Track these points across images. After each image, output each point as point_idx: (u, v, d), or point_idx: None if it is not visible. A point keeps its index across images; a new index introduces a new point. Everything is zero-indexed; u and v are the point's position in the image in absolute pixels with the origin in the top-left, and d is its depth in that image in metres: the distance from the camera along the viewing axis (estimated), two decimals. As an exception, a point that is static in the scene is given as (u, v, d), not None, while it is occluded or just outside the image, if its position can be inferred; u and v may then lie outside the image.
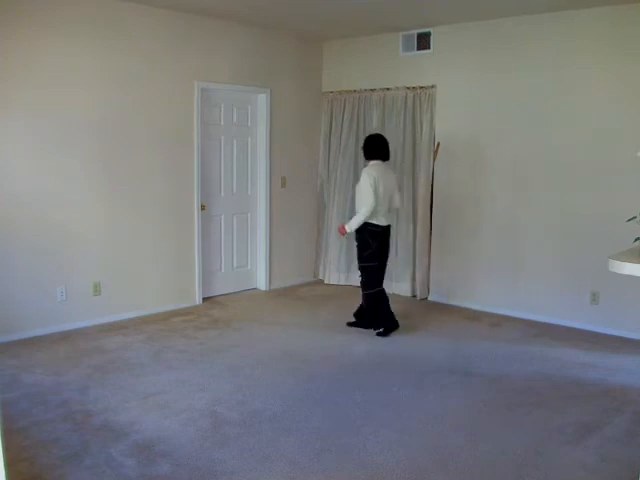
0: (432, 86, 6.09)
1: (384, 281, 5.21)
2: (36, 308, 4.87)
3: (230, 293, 6.39)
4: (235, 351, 4.66)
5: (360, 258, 5.06)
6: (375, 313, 5.11)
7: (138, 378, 4.06)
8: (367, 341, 4.97)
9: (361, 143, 6.56)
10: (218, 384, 3.99)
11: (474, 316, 5.73)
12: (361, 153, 6.57)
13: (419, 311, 5.93)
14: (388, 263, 5.29)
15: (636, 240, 3.29)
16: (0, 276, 4.67)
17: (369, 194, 4.83)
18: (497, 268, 5.80)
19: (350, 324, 5.32)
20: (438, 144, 6.11)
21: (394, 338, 5.05)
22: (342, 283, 6.89)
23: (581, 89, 5.21)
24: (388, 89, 6.39)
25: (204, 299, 6.06)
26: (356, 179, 6.69)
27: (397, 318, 5.14)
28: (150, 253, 5.57)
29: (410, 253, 6.41)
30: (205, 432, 3.32)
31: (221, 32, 5.88)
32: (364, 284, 5.10)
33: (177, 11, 5.47)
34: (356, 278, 6.77)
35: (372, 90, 6.51)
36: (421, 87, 6.16)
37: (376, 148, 5.05)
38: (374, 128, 6.53)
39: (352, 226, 4.94)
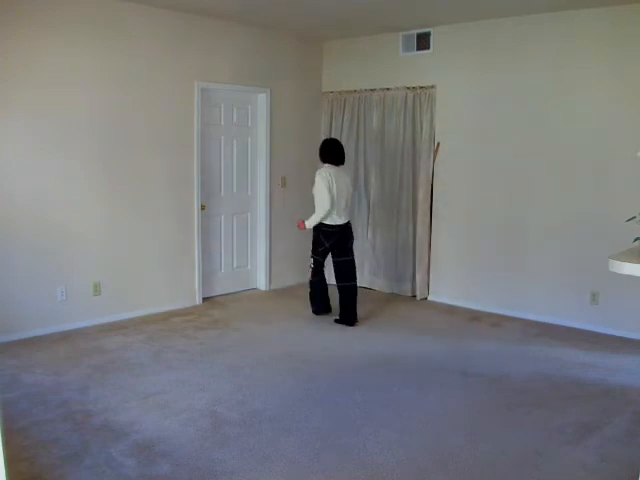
0: (432, 86, 6.09)
1: (357, 275, 5.58)
2: (36, 308, 4.87)
3: (230, 293, 6.39)
4: (235, 351, 4.66)
5: (313, 251, 5.47)
6: (313, 296, 5.65)
7: (138, 378, 4.06)
8: (367, 341, 4.97)
9: (361, 143, 6.67)
10: (218, 384, 3.99)
11: (474, 316, 5.73)
12: (361, 153, 6.68)
13: (419, 311, 5.93)
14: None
15: (636, 240, 3.29)
16: (0, 276, 4.67)
17: (324, 196, 5.15)
18: (497, 268, 5.80)
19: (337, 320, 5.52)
20: (438, 144, 6.11)
21: (393, 338, 5.05)
22: (342, 283, 6.88)
23: (581, 89, 5.21)
24: (388, 89, 6.39)
25: (204, 299, 6.05)
26: (356, 179, 6.73)
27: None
28: (150, 253, 5.57)
29: (410, 253, 6.41)
30: (205, 432, 3.32)
31: (221, 32, 5.88)
32: (312, 274, 5.53)
33: (177, 11, 5.47)
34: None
35: (372, 90, 6.51)
36: (421, 87, 6.16)
37: (330, 153, 5.34)
38: (374, 128, 6.55)
39: (310, 224, 5.32)
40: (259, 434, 3.30)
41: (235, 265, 6.45)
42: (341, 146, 5.39)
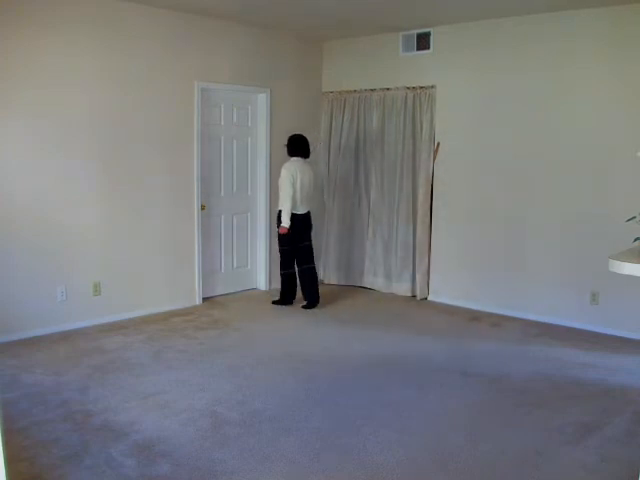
0: (432, 86, 6.09)
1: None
2: (36, 308, 4.87)
3: (230, 293, 6.39)
4: (235, 351, 4.66)
5: (279, 242, 5.84)
6: (284, 290, 5.97)
7: (138, 378, 4.06)
8: (367, 341, 4.97)
9: (361, 143, 6.68)
10: (218, 384, 3.99)
11: (474, 316, 5.73)
12: (361, 153, 6.68)
13: (419, 311, 5.93)
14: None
15: (636, 240, 3.30)
16: (0, 276, 4.67)
17: (287, 189, 5.57)
18: (497, 268, 5.80)
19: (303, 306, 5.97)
20: (438, 144, 6.11)
21: (393, 338, 5.05)
22: (342, 283, 6.90)
23: (581, 89, 5.21)
24: (388, 89, 6.39)
25: (204, 299, 6.05)
26: (356, 179, 6.74)
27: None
28: (150, 253, 5.57)
29: (410, 253, 6.41)
30: (205, 432, 3.32)
31: (221, 32, 5.88)
32: (280, 265, 5.92)
33: (177, 11, 5.47)
34: (356, 278, 6.84)
35: (372, 90, 6.51)
36: (421, 87, 6.16)
37: (298, 147, 5.76)
38: (374, 128, 6.55)
39: (286, 221, 5.62)
40: (259, 434, 3.30)
41: (235, 265, 6.45)
42: (307, 141, 5.82)
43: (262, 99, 6.38)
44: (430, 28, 6.03)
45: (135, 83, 5.30)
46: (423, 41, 6.11)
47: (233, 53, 6.02)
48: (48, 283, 4.94)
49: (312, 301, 5.88)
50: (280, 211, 5.65)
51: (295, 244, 5.80)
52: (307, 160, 5.84)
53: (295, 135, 5.84)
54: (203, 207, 5.97)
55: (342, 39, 6.73)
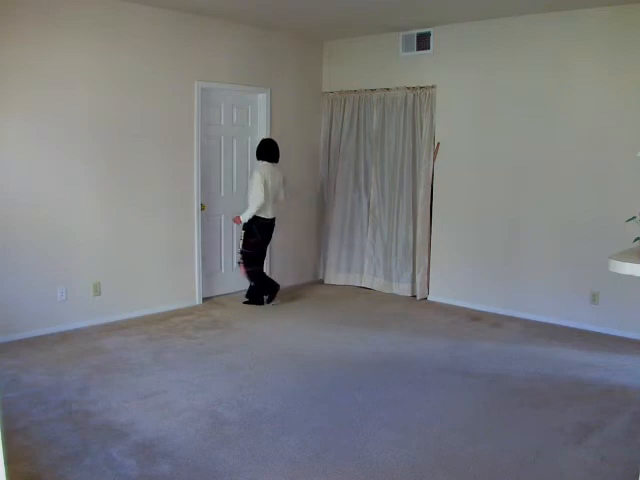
0: (432, 86, 6.09)
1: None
2: (36, 308, 4.87)
3: (230, 293, 6.39)
4: (235, 351, 4.66)
5: (245, 245, 5.82)
6: (260, 286, 5.96)
7: (138, 378, 4.06)
8: (367, 341, 4.97)
9: (361, 143, 6.68)
10: (218, 384, 3.99)
11: (474, 316, 5.73)
12: (362, 153, 6.69)
13: (419, 311, 5.93)
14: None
15: (636, 240, 3.30)
16: (0, 276, 4.67)
17: (259, 191, 5.61)
18: (497, 268, 5.80)
19: (245, 303, 6.07)
20: (438, 144, 6.11)
21: (393, 338, 5.05)
22: (342, 283, 6.90)
23: (581, 89, 5.21)
24: (388, 89, 6.39)
25: (204, 299, 6.05)
26: (356, 179, 6.74)
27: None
28: (150, 253, 5.57)
29: (410, 253, 6.41)
30: (205, 432, 3.32)
31: (221, 32, 5.88)
32: (245, 266, 5.88)
33: (177, 11, 5.47)
34: (355, 278, 6.84)
35: (372, 90, 6.51)
36: (421, 87, 6.16)
37: (267, 151, 5.79)
38: (374, 128, 6.55)
39: (245, 217, 5.71)
40: (259, 434, 3.30)
41: (235, 265, 6.44)
42: (277, 146, 5.84)
43: (262, 99, 6.38)
44: (430, 28, 6.03)
45: (135, 83, 5.30)
46: (423, 41, 6.11)
47: (233, 53, 6.02)
48: (48, 283, 4.93)
49: (260, 300, 6.01)
50: (249, 219, 5.70)
51: (263, 249, 5.90)
52: (276, 165, 5.85)
53: (266, 140, 5.89)
54: (203, 207, 5.97)
55: (342, 39, 6.73)
